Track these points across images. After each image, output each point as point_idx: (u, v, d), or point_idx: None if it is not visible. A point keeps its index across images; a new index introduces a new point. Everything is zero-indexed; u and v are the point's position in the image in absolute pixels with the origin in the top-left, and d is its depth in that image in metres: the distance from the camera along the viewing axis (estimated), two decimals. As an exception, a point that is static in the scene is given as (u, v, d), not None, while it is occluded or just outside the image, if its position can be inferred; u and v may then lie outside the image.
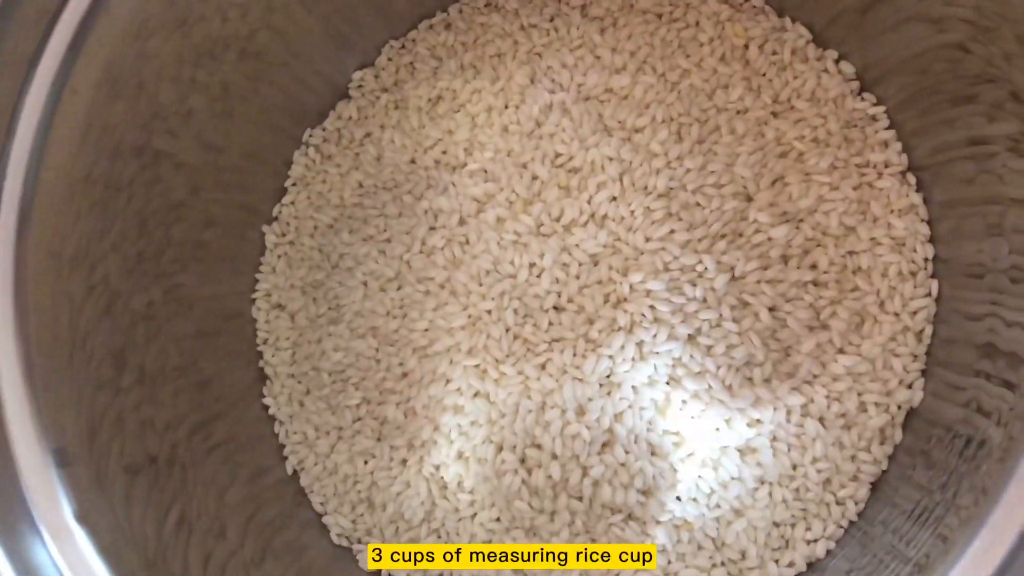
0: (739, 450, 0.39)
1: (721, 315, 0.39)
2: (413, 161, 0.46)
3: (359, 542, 0.44)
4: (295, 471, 0.45)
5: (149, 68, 0.37)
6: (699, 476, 0.39)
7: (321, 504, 0.45)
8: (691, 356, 0.38)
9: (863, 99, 0.41)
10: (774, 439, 0.39)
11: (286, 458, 0.45)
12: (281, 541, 0.43)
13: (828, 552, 0.39)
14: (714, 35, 0.43)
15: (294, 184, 0.48)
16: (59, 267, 0.34)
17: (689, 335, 0.39)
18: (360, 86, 0.49)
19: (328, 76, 0.48)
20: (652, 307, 0.39)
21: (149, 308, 0.40)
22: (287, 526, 0.43)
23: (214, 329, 0.45)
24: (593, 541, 0.39)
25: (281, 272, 0.47)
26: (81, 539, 0.31)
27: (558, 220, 0.42)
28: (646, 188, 0.41)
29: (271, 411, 0.46)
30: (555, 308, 0.41)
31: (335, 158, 0.48)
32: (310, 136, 0.48)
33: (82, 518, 0.32)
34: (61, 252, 0.34)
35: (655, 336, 0.38)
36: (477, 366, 0.41)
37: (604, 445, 0.39)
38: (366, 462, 0.44)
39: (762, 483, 0.39)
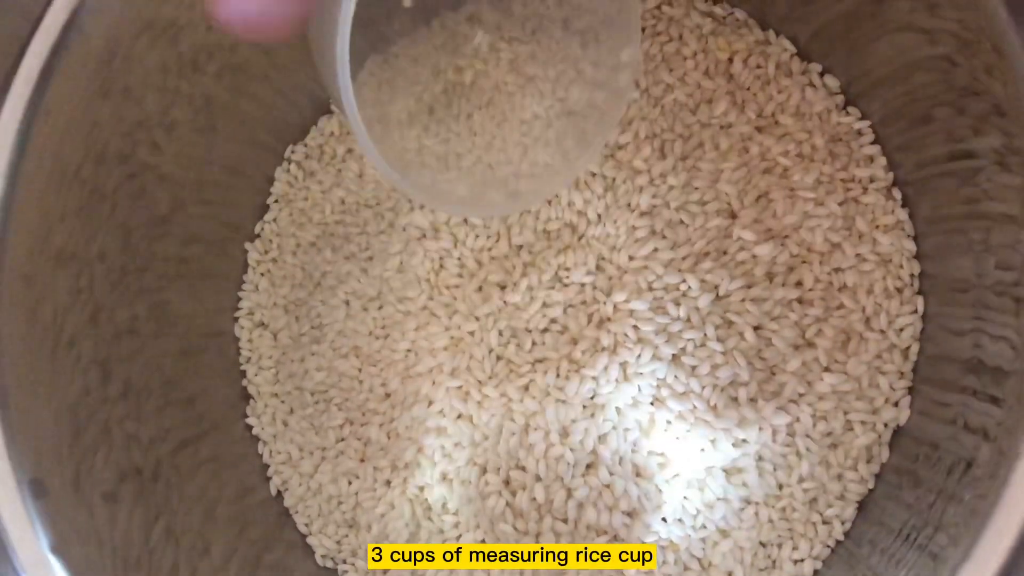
0: (724, 470, 0.38)
1: (705, 335, 0.38)
2: (395, 176, 0.45)
3: (344, 563, 0.43)
4: (279, 491, 0.45)
5: (135, 73, 0.37)
6: (684, 497, 0.39)
7: (305, 525, 0.44)
8: (675, 376, 0.38)
9: (848, 113, 0.41)
10: (760, 459, 0.38)
11: (270, 478, 0.45)
12: (267, 562, 0.42)
13: (815, 572, 0.39)
14: (698, 49, 0.43)
15: (276, 201, 0.48)
16: (42, 269, 0.34)
17: (673, 355, 0.38)
18: (343, 100, 0.48)
19: (310, 91, 0.48)
20: (636, 327, 0.38)
21: (133, 323, 0.40)
22: (272, 547, 0.43)
23: (198, 347, 0.44)
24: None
25: (264, 290, 0.47)
26: (57, 570, 0.31)
27: (541, 238, 0.41)
28: (629, 206, 0.40)
29: (255, 431, 0.46)
30: (538, 329, 0.40)
31: (317, 175, 0.47)
32: (292, 152, 0.48)
33: (58, 549, 0.31)
34: (44, 251, 0.34)
35: (639, 356, 0.38)
36: (460, 387, 0.40)
37: (588, 467, 0.39)
38: (350, 483, 0.43)
39: (748, 503, 0.39)
